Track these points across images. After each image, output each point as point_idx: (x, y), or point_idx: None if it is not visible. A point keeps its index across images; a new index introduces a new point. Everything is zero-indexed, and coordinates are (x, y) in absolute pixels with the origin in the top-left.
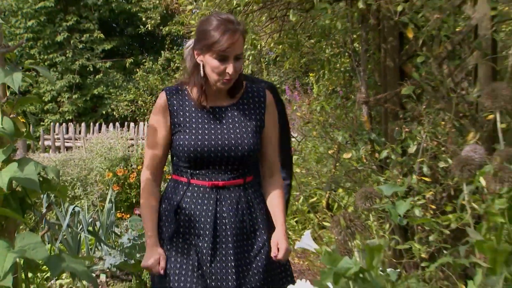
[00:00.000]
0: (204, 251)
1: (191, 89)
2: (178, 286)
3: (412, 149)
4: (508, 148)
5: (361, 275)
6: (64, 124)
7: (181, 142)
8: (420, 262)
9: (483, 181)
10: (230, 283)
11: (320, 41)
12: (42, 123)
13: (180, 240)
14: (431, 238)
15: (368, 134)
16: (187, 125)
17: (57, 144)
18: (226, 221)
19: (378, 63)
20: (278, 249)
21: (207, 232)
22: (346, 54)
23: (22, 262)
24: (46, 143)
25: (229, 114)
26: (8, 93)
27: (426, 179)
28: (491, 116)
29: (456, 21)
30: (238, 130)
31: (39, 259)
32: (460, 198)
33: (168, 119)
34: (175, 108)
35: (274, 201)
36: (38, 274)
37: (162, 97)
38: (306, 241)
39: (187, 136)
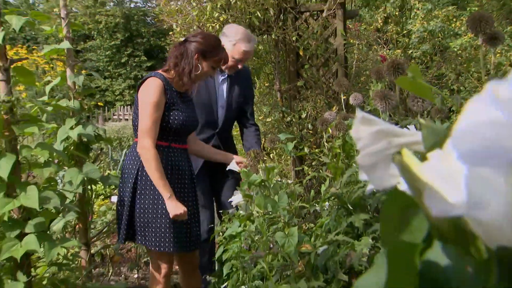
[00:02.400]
0: (185, 196)
1: (173, 77)
2: (158, 226)
3: (303, 115)
4: (346, 113)
5: (263, 184)
6: (125, 106)
7: (176, 118)
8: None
9: (330, 130)
10: (195, 219)
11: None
12: (114, 107)
13: (175, 190)
14: (313, 163)
15: (280, 108)
16: (176, 106)
17: (120, 117)
18: (192, 173)
19: (285, 69)
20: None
21: (184, 181)
22: (269, 64)
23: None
24: (115, 117)
25: (189, 99)
26: (77, 87)
27: (310, 131)
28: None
29: (326, 46)
30: (194, 113)
31: (96, 177)
32: (323, 141)
33: (164, 99)
34: (167, 90)
35: (210, 151)
36: (95, 186)
37: (159, 81)
38: (233, 166)
39: (180, 114)
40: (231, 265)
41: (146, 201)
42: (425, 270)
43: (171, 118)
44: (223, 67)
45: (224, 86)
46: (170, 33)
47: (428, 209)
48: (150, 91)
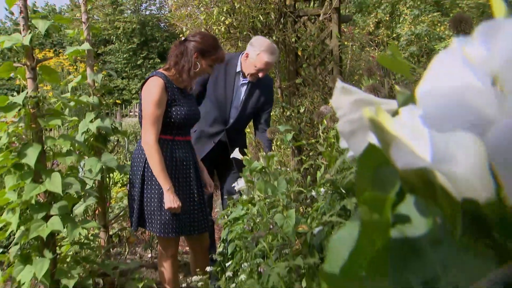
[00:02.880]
0: (190, 184)
1: (174, 74)
2: (163, 214)
3: (302, 110)
4: None
5: (263, 170)
6: None
7: (180, 113)
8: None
9: (325, 122)
10: (200, 206)
11: None
12: (131, 104)
13: (178, 181)
14: (311, 153)
15: (281, 103)
16: (177, 101)
17: (136, 114)
18: (196, 163)
19: (285, 68)
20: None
21: (190, 171)
22: None
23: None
24: (131, 113)
25: (188, 95)
26: (96, 84)
27: (308, 124)
28: None
29: (322, 47)
30: (196, 106)
31: (113, 166)
32: (319, 132)
33: (165, 97)
34: (168, 88)
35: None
36: (112, 174)
37: (160, 81)
38: (236, 154)
39: (182, 109)
40: (234, 245)
41: (153, 191)
42: (397, 223)
43: (174, 113)
44: (246, 75)
45: (243, 90)
46: (180, 35)
47: (395, 162)
48: (152, 90)
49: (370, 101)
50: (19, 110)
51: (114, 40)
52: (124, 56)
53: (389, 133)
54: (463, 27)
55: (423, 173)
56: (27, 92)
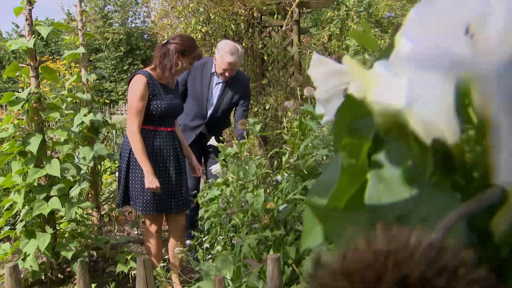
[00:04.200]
0: (169, 169)
1: (158, 73)
2: (145, 193)
3: (267, 106)
4: (300, 101)
5: (236, 155)
6: (126, 104)
7: (160, 106)
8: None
9: (290, 114)
10: (178, 188)
11: None
12: (117, 104)
13: (157, 166)
14: (275, 144)
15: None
16: (158, 95)
17: (122, 112)
18: (178, 150)
19: (253, 71)
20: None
21: (170, 157)
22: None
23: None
24: (118, 112)
25: (171, 89)
26: (89, 83)
27: (273, 119)
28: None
29: (285, 53)
30: (179, 100)
31: (104, 154)
32: (283, 123)
33: (147, 92)
34: (151, 86)
35: (182, 141)
36: (103, 162)
37: (143, 78)
38: (212, 142)
39: (162, 102)
40: (210, 222)
41: (136, 175)
42: (373, 167)
43: (154, 106)
44: (218, 75)
45: (218, 88)
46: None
47: (374, 105)
48: (136, 85)
49: (341, 71)
50: (23, 104)
51: (103, 48)
52: (112, 62)
53: (367, 79)
54: None
55: (397, 118)
56: (31, 89)
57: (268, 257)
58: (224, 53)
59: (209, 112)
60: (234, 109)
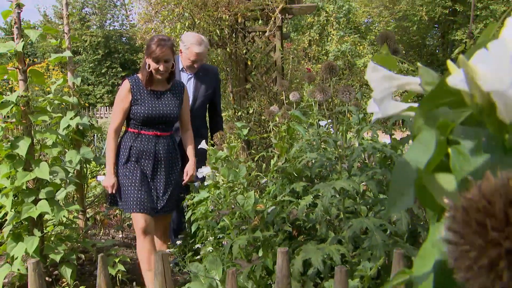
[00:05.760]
0: (148, 171)
1: (143, 78)
2: (126, 188)
3: (251, 111)
4: (287, 106)
5: (227, 158)
6: (105, 107)
7: (139, 111)
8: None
9: (277, 119)
10: (161, 190)
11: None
12: (96, 107)
13: (131, 165)
14: (258, 148)
15: (232, 105)
16: (141, 101)
17: (101, 116)
18: (161, 155)
19: (236, 75)
20: (186, 174)
21: (150, 161)
22: (223, 71)
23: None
24: (97, 115)
25: (165, 96)
26: (75, 86)
27: (256, 123)
28: (282, 97)
29: (268, 58)
30: (168, 105)
31: (90, 158)
32: (270, 127)
33: (129, 98)
34: (134, 90)
35: (187, 145)
36: (89, 165)
37: (126, 83)
38: (203, 146)
39: (142, 108)
40: (197, 225)
41: (120, 175)
42: (452, 143)
43: (133, 111)
44: (185, 68)
45: (191, 82)
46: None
47: (480, 88)
48: (120, 90)
49: (392, 77)
50: (12, 107)
51: (81, 51)
52: (90, 65)
53: (474, 69)
54: (388, 42)
55: (489, 98)
56: (19, 92)
57: (278, 250)
58: (190, 45)
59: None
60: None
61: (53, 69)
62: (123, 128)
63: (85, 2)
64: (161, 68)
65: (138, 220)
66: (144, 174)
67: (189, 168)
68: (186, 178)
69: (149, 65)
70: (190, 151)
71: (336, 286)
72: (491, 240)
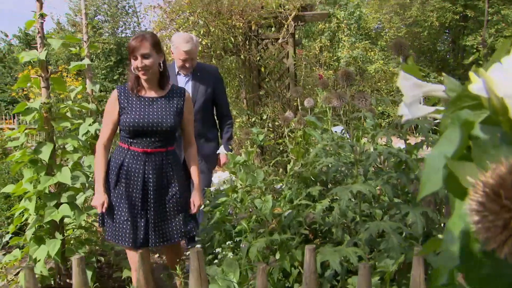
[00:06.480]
0: (135, 196)
1: (130, 83)
2: (116, 217)
3: (264, 117)
4: (303, 112)
5: (245, 163)
6: None
7: (125, 120)
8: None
9: (293, 124)
10: (152, 222)
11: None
12: None
13: (120, 188)
14: (272, 153)
15: (246, 112)
16: (129, 109)
17: None
18: (150, 176)
19: (250, 82)
20: (194, 204)
21: (139, 184)
22: (237, 78)
23: None
24: None
25: (157, 102)
26: (94, 93)
27: (270, 129)
28: (296, 103)
29: (281, 65)
30: (161, 113)
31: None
32: (285, 133)
33: (117, 107)
34: (122, 99)
35: (190, 165)
36: None
37: (114, 93)
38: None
39: (128, 116)
40: (213, 230)
41: (110, 200)
42: (472, 138)
43: (122, 121)
44: (180, 70)
45: (189, 85)
46: None
47: (496, 94)
48: (108, 101)
49: (421, 84)
50: (35, 114)
51: (93, 58)
52: (102, 72)
53: (491, 80)
54: (402, 50)
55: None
56: (42, 99)
57: (306, 247)
58: (178, 44)
59: None
60: (215, 110)
61: (67, 75)
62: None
63: (98, 10)
64: (138, 64)
65: (131, 257)
66: (125, 197)
67: (195, 198)
68: (193, 209)
69: (130, 63)
70: (194, 174)
71: (360, 281)
72: (504, 206)
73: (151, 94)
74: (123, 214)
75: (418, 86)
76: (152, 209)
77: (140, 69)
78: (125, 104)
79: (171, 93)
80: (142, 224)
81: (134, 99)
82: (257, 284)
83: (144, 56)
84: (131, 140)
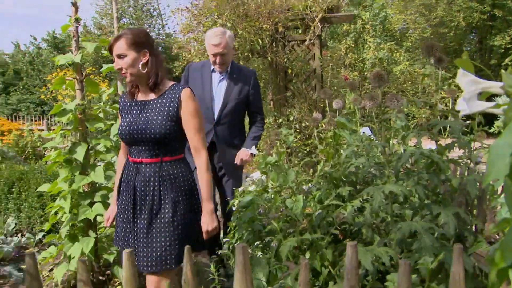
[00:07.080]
0: (128, 213)
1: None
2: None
3: (291, 118)
4: (332, 113)
5: (276, 164)
6: None
7: (119, 128)
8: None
9: (323, 125)
10: (140, 243)
11: None
12: None
13: (121, 199)
14: (299, 154)
15: (273, 113)
16: (123, 115)
17: None
18: (138, 189)
19: (276, 83)
20: (207, 231)
21: (130, 196)
22: (263, 80)
23: None
24: None
25: (149, 106)
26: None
27: (297, 130)
28: (322, 104)
29: (307, 67)
30: (148, 119)
31: None
32: (313, 134)
33: (120, 112)
34: (121, 104)
35: (199, 176)
36: None
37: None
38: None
39: (120, 123)
40: (243, 230)
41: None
42: None
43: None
44: (216, 68)
45: (223, 84)
46: (188, 55)
47: None
48: None
49: (478, 81)
50: (70, 115)
51: None
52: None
53: None
54: (433, 51)
55: None
56: (77, 101)
57: (348, 243)
58: (209, 39)
59: (216, 111)
60: (248, 118)
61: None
62: None
63: (123, 13)
64: (115, 65)
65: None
66: (118, 207)
67: (206, 222)
68: (205, 236)
69: None
70: (204, 191)
71: (400, 277)
72: None
73: (143, 97)
74: (119, 221)
75: (476, 82)
76: (141, 227)
77: (119, 69)
78: (123, 110)
79: (165, 94)
80: (138, 245)
81: (129, 104)
82: (300, 279)
83: (119, 56)
84: (129, 149)
